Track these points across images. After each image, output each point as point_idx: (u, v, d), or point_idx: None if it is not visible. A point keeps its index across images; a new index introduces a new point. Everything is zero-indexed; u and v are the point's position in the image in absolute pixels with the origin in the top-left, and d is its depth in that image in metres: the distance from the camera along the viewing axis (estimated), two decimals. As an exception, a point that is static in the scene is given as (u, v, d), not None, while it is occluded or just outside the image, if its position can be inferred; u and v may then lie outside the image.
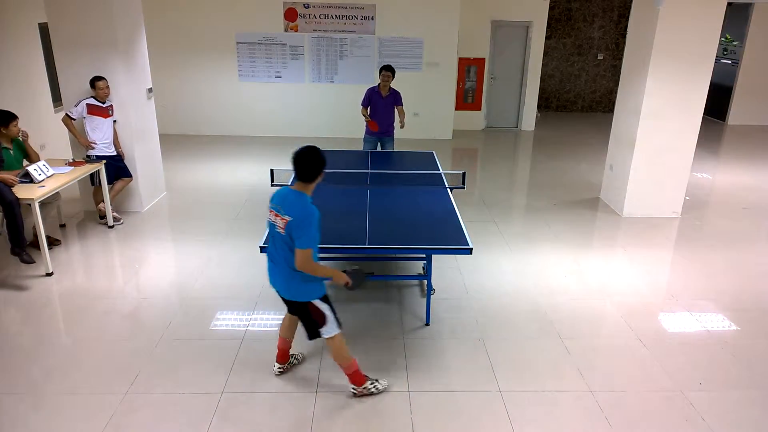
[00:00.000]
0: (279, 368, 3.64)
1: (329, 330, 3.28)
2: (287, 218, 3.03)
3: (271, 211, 3.16)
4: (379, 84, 6.48)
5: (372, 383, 3.47)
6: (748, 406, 3.47)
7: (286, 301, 3.38)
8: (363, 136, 6.73)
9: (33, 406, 3.32)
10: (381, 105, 6.47)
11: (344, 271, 3.30)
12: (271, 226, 3.19)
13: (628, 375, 3.74)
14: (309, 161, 3.05)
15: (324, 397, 3.44)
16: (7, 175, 4.74)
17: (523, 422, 3.28)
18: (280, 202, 3.12)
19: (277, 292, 3.33)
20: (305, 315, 3.28)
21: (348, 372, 3.42)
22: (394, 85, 6.51)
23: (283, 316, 3.64)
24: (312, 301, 3.21)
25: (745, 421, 3.35)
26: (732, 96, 11.51)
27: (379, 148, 6.70)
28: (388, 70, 6.37)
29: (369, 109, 6.52)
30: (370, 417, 3.30)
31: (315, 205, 3.08)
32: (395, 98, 6.50)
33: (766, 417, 3.38)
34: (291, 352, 3.70)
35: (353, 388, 3.45)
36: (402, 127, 6.61)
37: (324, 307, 3.24)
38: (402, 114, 6.57)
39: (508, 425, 3.25)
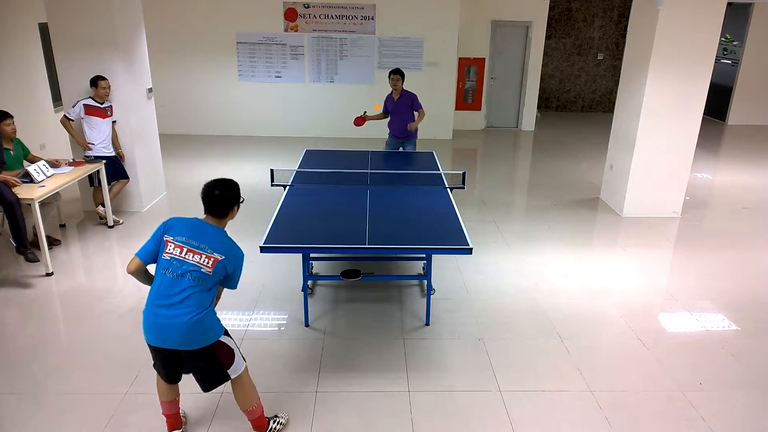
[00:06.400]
0: None
1: (237, 366, 2.86)
2: (218, 257, 2.70)
3: (178, 246, 2.70)
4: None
5: (275, 421, 3.11)
6: (748, 406, 3.47)
7: (174, 361, 2.77)
8: (386, 139, 6.62)
9: (33, 406, 3.32)
10: (393, 108, 6.39)
11: None
12: (177, 264, 2.67)
13: (628, 375, 3.74)
14: (225, 194, 2.82)
15: (324, 396, 3.45)
16: (9, 176, 4.75)
17: (523, 422, 3.28)
18: (192, 235, 2.73)
19: (167, 347, 2.68)
20: (209, 361, 2.77)
21: (253, 417, 3.01)
22: (406, 86, 6.36)
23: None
24: (219, 338, 2.79)
25: (745, 421, 3.35)
26: (732, 96, 11.52)
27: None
28: (395, 74, 6.26)
29: (389, 113, 6.46)
30: (370, 417, 3.30)
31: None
32: (410, 101, 6.31)
33: (766, 417, 3.38)
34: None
35: None
36: (412, 128, 6.34)
37: (230, 342, 2.86)
38: (419, 117, 6.34)
39: (508, 425, 3.25)
